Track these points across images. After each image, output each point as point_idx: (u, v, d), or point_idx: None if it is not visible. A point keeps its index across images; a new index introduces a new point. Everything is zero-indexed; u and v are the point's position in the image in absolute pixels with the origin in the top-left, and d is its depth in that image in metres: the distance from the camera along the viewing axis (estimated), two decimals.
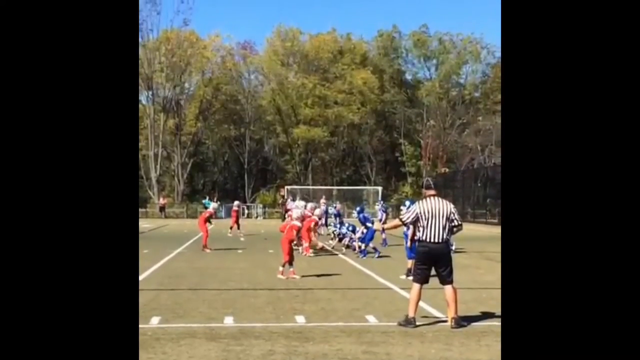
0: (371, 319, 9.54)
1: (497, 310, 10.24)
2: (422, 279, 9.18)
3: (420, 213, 9.13)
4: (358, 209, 22.59)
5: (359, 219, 21.39)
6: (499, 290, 12.44)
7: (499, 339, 8.19)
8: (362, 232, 20.85)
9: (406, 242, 14.99)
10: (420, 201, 9.41)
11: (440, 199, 9.32)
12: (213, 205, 23.87)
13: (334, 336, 8.33)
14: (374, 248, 20.26)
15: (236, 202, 32.19)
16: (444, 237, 9.11)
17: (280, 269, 14.56)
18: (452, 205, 9.35)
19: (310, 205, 22.37)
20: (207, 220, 22.04)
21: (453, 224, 9.19)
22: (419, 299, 9.15)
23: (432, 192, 9.34)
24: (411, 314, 9.06)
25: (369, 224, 20.73)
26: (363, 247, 20.22)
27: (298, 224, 15.93)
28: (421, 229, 9.14)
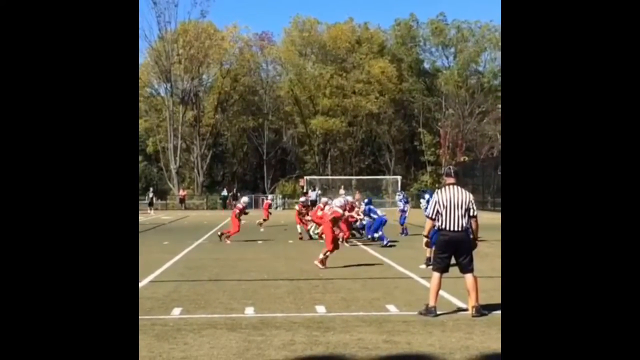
0: (392, 309, 9.54)
1: None
2: (442, 268, 9.16)
3: (439, 202, 9.11)
4: (366, 200, 22.75)
5: (364, 211, 21.58)
6: None
7: None
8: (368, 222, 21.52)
9: None
10: (439, 190, 9.40)
11: (459, 187, 9.28)
12: (244, 200, 23.57)
13: (355, 326, 8.34)
14: (380, 237, 20.54)
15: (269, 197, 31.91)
16: (464, 225, 9.07)
17: (321, 256, 14.63)
18: (471, 195, 9.29)
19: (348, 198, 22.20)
20: (238, 216, 22.05)
21: (469, 213, 9.13)
22: (439, 288, 9.13)
23: (452, 180, 9.30)
24: (432, 303, 9.06)
25: (373, 215, 21.14)
26: (376, 236, 20.70)
27: (340, 211, 16.20)
28: (440, 217, 9.11)
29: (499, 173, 55.46)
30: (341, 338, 7.66)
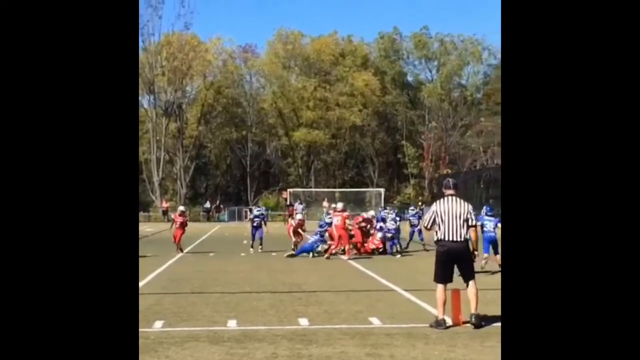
0: (375, 321, 9.53)
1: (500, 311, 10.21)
2: (445, 279, 9.21)
3: (438, 212, 9.18)
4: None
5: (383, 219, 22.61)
6: None
7: None
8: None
9: None
10: (438, 201, 9.46)
11: (458, 198, 9.34)
12: (298, 212, 23.69)
13: (338, 338, 8.32)
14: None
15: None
16: (463, 235, 9.14)
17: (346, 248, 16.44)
18: (470, 206, 9.36)
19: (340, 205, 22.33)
20: (296, 229, 22.05)
21: (468, 223, 9.20)
22: (445, 299, 9.13)
23: (451, 192, 9.38)
24: (440, 316, 9.09)
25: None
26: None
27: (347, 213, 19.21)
28: (440, 228, 9.18)
29: (482, 186, 55.73)
30: (324, 351, 7.63)
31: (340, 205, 21.79)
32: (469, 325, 9.08)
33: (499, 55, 75.11)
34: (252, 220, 23.11)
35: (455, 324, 9.08)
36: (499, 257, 16.76)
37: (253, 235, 22.74)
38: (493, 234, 16.95)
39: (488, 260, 16.80)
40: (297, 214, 28.25)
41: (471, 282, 9.21)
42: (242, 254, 21.60)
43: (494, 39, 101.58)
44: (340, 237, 20.57)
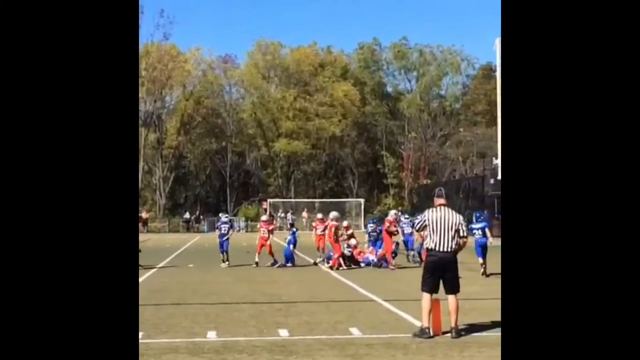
0: (355, 332, 9.52)
1: (480, 321, 10.26)
2: (431, 288, 9.24)
3: (429, 221, 9.25)
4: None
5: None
6: (482, 301, 12.51)
7: (482, 349, 8.23)
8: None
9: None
10: (430, 210, 9.48)
11: (449, 209, 9.40)
12: (335, 215, 22.09)
13: (318, 349, 8.31)
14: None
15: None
16: (453, 246, 9.20)
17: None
18: (460, 217, 9.43)
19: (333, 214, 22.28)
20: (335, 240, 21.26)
21: (459, 234, 9.28)
22: (430, 309, 9.15)
23: (442, 201, 9.44)
24: (425, 324, 9.11)
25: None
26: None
27: (335, 223, 19.28)
28: (430, 238, 9.24)
29: (461, 196, 55.91)
30: None
31: (333, 214, 21.87)
32: (448, 335, 9.11)
33: (477, 66, 75.81)
34: (219, 229, 22.39)
35: (435, 334, 9.11)
36: (480, 260, 17.61)
37: (222, 246, 21.95)
38: (484, 240, 17.97)
39: (484, 265, 17.51)
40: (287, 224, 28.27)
41: (452, 297, 9.23)
42: (222, 265, 21.53)
43: (472, 50, 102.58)
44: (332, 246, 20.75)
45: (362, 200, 61.45)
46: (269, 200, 59.89)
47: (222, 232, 22.09)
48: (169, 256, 23.63)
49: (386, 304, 12.18)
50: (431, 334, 9.04)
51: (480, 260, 18.07)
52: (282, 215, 57.24)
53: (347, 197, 67.91)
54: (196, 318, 10.79)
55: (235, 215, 64.89)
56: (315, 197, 67.44)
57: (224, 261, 21.65)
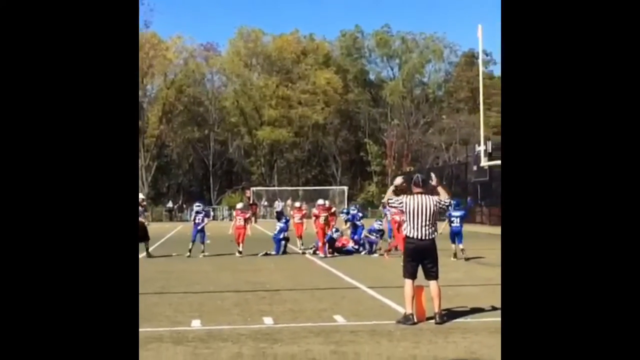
0: (339, 319, 9.53)
1: (463, 307, 10.31)
2: (412, 274, 9.30)
3: (406, 208, 9.33)
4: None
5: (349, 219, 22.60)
6: (465, 287, 12.57)
7: (466, 335, 8.27)
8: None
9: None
10: (407, 197, 9.54)
11: (426, 196, 9.44)
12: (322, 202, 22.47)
13: (303, 337, 8.32)
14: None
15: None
16: (430, 234, 9.27)
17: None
18: (436, 198, 9.50)
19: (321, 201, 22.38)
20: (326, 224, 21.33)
21: (442, 205, 9.52)
22: (413, 295, 9.21)
23: (419, 189, 9.48)
24: (408, 311, 9.17)
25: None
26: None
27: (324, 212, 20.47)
28: (408, 225, 9.33)
29: (444, 183, 56.11)
30: (289, 349, 7.63)
31: (321, 201, 22.25)
32: (432, 321, 9.14)
33: (459, 53, 75.98)
34: (194, 219, 21.73)
35: (419, 320, 9.13)
36: (461, 245, 18.01)
37: (194, 237, 21.37)
38: (458, 227, 18.64)
39: (456, 253, 17.98)
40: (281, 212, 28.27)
41: (433, 282, 9.31)
42: (206, 254, 21.47)
43: (454, 37, 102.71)
44: (318, 233, 20.92)
45: (345, 188, 61.50)
46: (252, 188, 59.80)
47: (197, 222, 21.49)
48: (152, 245, 23.43)
49: (370, 291, 12.21)
50: (415, 320, 9.07)
51: (454, 246, 18.73)
52: (266, 203, 57.21)
53: (331, 185, 67.91)
54: (180, 307, 10.77)
55: (218, 203, 64.83)
56: (298, 185, 67.43)
57: (197, 251, 21.02)
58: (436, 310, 9.19)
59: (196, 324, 9.33)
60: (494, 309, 9.93)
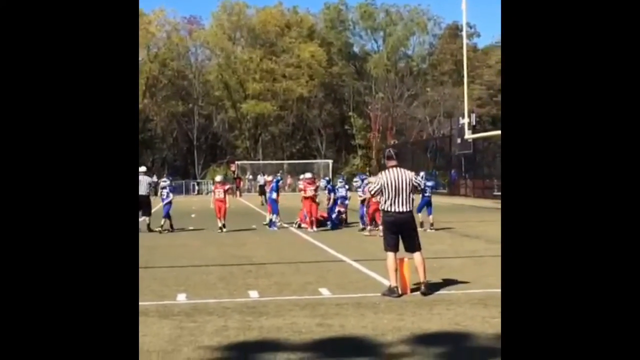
0: (324, 292, 9.59)
1: (448, 279, 10.39)
2: (394, 247, 9.38)
3: (384, 184, 9.33)
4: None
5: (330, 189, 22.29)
6: (450, 260, 12.66)
7: (450, 307, 8.34)
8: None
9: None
10: (382, 172, 9.63)
11: (401, 169, 9.51)
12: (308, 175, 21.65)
13: (288, 310, 8.36)
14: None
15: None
16: (408, 207, 9.36)
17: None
18: (412, 173, 9.63)
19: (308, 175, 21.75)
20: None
21: (416, 190, 9.70)
22: (396, 267, 9.26)
23: (394, 162, 9.53)
24: (393, 283, 9.23)
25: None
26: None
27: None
28: (386, 200, 9.34)
29: (428, 155, 56.28)
30: (274, 322, 7.67)
31: (308, 175, 21.63)
32: (417, 293, 9.21)
33: (443, 25, 75.85)
34: (160, 194, 21.48)
35: (403, 292, 9.20)
36: (431, 217, 18.30)
37: (166, 212, 21.05)
38: (429, 197, 19.30)
39: (423, 222, 18.21)
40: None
41: (417, 253, 9.39)
42: (190, 228, 21.47)
43: (438, 9, 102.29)
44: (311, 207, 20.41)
45: (330, 162, 61.63)
46: (236, 162, 59.75)
47: (163, 197, 21.33)
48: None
49: (355, 264, 12.27)
50: (400, 292, 9.14)
51: (420, 215, 18.73)
52: (251, 177, 57.16)
53: (315, 159, 67.98)
54: (165, 281, 10.78)
55: (203, 177, 64.73)
56: (283, 159, 67.44)
57: (163, 228, 20.62)
58: (422, 280, 9.28)
59: (182, 297, 9.35)
60: (478, 281, 10.02)
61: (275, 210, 21.07)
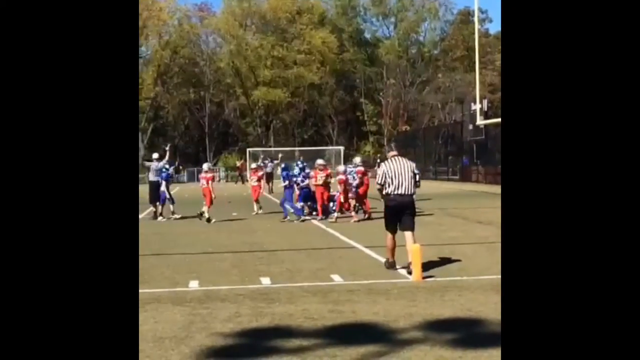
0: (336, 278, 9.60)
1: (460, 265, 10.39)
2: (393, 228, 10.09)
3: (388, 172, 9.95)
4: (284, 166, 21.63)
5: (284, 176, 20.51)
6: (462, 246, 12.65)
7: (462, 293, 8.34)
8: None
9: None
10: (385, 162, 10.29)
11: (403, 158, 10.24)
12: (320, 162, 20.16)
13: (300, 296, 8.37)
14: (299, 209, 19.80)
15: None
16: (412, 190, 10.05)
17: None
18: (413, 164, 10.31)
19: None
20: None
21: (416, 178, 10.12)
22: (394, 246, 10.06)
23: (394, 153, 10.32)
24: (391, 259, 10.19)
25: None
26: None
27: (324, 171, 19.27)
28: (390, 185, 9.91)
29: (440, 142, 56.12)
30: (286, 309, 7.68)
31: (320, 161, 20.12)
32: (429, 279, 9.22)
33: (455, 11, 75.43)
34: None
35: (416, 279, 9.20)
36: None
37: (171, 198, 21.30)
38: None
39: None
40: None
41: (409, 233, 9.89)
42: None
43: None
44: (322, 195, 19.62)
45: (341, 148, 61.51)
46: (248, 149, 59.76)
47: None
48: (148, 207, 23.50)
49: (367, 251, 12.28)
50: (396, 266, 9.99)
51: None
52: (262, 164, 57.09)
53: (327, 145, 67.91)
54: (178, 268, 10.82)
55: (214, 165, 64.78)
56: (294, 146, 67.43)
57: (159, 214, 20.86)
58: (409, 260, 9.58)
59: (194, 284, 9.38)
60: (490, 267, 10.01)
61: (290, 198, 19.73)
